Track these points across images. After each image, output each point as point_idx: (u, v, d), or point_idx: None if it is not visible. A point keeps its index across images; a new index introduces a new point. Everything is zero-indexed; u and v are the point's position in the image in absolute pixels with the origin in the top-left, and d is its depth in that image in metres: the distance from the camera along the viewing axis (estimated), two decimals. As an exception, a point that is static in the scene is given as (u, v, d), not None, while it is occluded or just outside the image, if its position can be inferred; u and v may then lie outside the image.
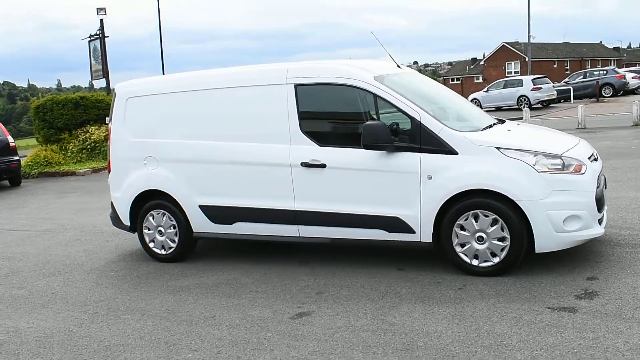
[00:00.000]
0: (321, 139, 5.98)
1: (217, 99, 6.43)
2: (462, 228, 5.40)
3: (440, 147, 5.43)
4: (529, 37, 37.74)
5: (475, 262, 5.41)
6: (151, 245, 6.95)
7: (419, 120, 5.51)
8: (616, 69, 36.62)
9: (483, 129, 5.82)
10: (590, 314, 4.41)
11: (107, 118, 7.82)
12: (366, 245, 5.99)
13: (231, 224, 6.43)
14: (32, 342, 4.89)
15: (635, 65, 58.15)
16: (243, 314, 5.07)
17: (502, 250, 5.29)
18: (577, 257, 5.65)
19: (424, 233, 5.55)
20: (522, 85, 31.52)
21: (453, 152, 5.39)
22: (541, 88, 30.97)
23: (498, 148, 5.33)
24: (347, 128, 6.22)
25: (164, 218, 6.79)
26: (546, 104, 31.52)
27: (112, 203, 7.29)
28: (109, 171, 7.24)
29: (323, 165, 5.83)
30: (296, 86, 6.02)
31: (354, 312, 4.88)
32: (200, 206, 6.53)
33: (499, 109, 30.97)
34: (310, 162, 5.88)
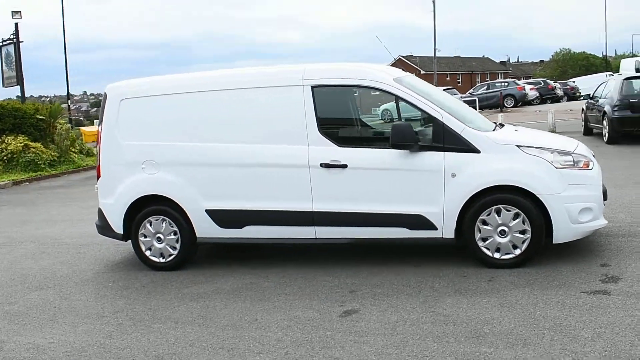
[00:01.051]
0: (340, 139, 6.04)
1: (227, 101, 6.30)
2: (485, 223, 5.65)
3: (463, 145, 5.66)
4: (435, 50, 39.79)
5: (497, 255, 5.67)
6: (147, 253, 6.64)
7: (442, 120, 5.72)
8: (517, 81, 39.36)
9: (494, 130, 6.13)
10: (624, 295, 4.79)
11: (96, 121, 7.40)
12: (385, 243, 6.10)
13: (241, 227, 6.30)
14: (64, 357, 4.56)
15: (521, 78, 62.68)
16: (287, 315, 5.00)
17: (523, 242, 5.59)
18: (580, 248, 6.06)
19: (446, 229, 5.74)
20: (432, 96, 32.93)
21: (475, 150, 5.64)
22: (450, 99, 32.53)
23: (518, 146, 5.64)
24: (367, 128, 6.31)
25: (164, 224, 6.52)
26: (454, 114, 33.14)
27: (99, 210, 6.89)
28: (98, 177, 6.84)
29: (344, 166, 5.88)
30: (313, 87, 6.04)
31: (400, 307, 4.96)
32: (207, 210, 6.34)
33: (410, 118, 32.21)
34: (330, 163, 5.91)
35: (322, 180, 5.97)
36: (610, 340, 4.03)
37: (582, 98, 40.42)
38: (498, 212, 5.61)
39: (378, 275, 5.81)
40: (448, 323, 4.55)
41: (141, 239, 6.64)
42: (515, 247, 5.63)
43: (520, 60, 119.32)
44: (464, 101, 34.47)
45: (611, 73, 41.82)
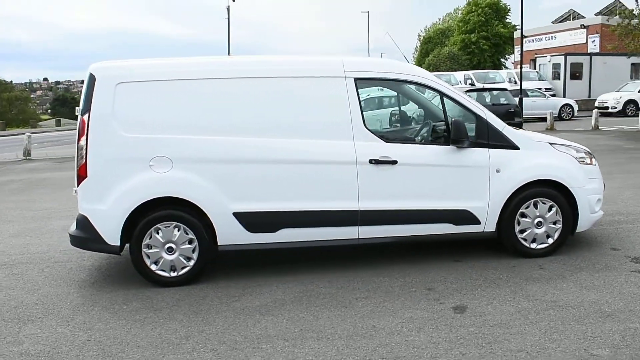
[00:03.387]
0: (386, 134, 5.86)
1: (258, 90, 5.65)
2: (524, 215, 6.00)
3: (505, 142, 5.95)
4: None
5: (533, 245, 6.07)
6: (153, 267, 5.61)
7: (485, 118, 5.93)
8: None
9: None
10: (668, 272, 5.54)
11: (77, 108, 5.93)
12: (426, 240, 6.07)
13: (275, 231, 5.70)
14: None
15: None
16: (400, 318, 4.71)
17: (555, 232, 6.07)
18: (580, 235, 6.71)
19: (488, 223, 5.96)
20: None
21: (515, 147, 5.97)
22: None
23: (551, 143, 6.13)
24: (410, 124, 6.19)
25: (178, 232, 5.59)
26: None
27: (83, 218, 5.60)
28: (82, 177, 5.54)
29: (394, 162, 5.72)
30: (356, 80, 5.77)
31: (500, 299, 5.03)
32: (235, 213, 5.60)
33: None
34: (380, 159, 5.70)
35: (370, 178, 5.73)
36: None
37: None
38: (535, 204, 6.01)
39: (429, 272, 5.76)
40: (565, 307, 4.77)
41: (145, 250, 5.59)
42: (548, 236, 6.08)
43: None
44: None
45: (381, 88, 46.60)
